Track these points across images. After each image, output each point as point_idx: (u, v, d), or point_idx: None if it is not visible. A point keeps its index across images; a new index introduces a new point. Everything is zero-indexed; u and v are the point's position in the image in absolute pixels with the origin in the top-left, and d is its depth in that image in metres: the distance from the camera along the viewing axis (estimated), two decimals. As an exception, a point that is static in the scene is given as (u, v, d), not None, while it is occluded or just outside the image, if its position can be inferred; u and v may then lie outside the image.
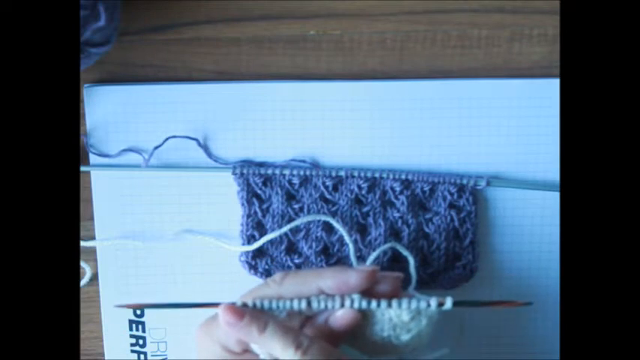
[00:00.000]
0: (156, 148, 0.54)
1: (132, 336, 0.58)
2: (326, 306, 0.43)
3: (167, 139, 0.54)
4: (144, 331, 0.58)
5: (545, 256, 0.57)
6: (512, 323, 0.58)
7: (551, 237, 0.57)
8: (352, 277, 0.44)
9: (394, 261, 0.55)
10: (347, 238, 0.53)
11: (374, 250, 0.55)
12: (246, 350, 0.46)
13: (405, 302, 0.42)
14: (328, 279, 0.45)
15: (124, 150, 0.55)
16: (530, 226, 0.57)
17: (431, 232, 0.55)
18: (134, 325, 0.57)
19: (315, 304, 0.43)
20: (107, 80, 0.54)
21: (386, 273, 0.47)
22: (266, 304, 0.44)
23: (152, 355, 0.58)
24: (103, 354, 0.58)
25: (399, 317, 0.42)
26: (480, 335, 0.58)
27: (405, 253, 0.52)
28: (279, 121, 0.55)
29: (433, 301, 0.42)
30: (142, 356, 0.58)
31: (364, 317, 0.44)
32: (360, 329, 0.45)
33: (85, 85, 0.54)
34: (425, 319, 0.43)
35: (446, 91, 0.55)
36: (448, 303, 0.42)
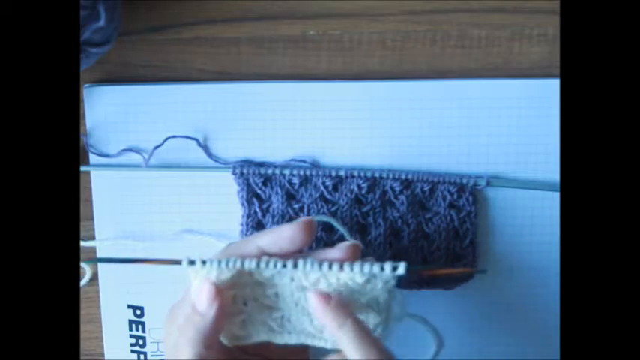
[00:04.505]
0: (156, 148, 0.54)
1: (132, 336, 0.58)
2: (276, 266, 0.44)
3: (167, 139, 0.54)
4: (144, 331, 0.58)
5: (545, 256, 0.57)
6: (512, 325, 0.58)
7: (551, 237, 0.56)
8: (285, 229, 0.45)
9: (394, 260, 0.55)
10: (348, 237, 0.53)
11: (373, 250, 0.55)
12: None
13: (357, 265, 0.43)
14: (265, 236, 0.45)
15: (124, 150, 0.55)
16: (530, 226, 0.57)
17: (431, 232, 0.55)
18: (134, 325, 0.57)
19: (263, 265, 0.43)
20: (107, 80, 0.54)
21: (344, 242, 0.47)
22: (216, 262, 0.44)
23: (152, 355, 0.58)
24: (103, 354, 0.58)
25: (353, 280, 0.43)
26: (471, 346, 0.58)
27: (338, 226, 0.53)
28: (279, 121, 0.55)
29: (387, 265, 0.43)
30: (141, 356, 0.58)
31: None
32: None
33: (85, 85, 0.54)
34: (380, 283, 0.44)
35: (446, 91, 0.55)
36: (401, 268, 0.43)
